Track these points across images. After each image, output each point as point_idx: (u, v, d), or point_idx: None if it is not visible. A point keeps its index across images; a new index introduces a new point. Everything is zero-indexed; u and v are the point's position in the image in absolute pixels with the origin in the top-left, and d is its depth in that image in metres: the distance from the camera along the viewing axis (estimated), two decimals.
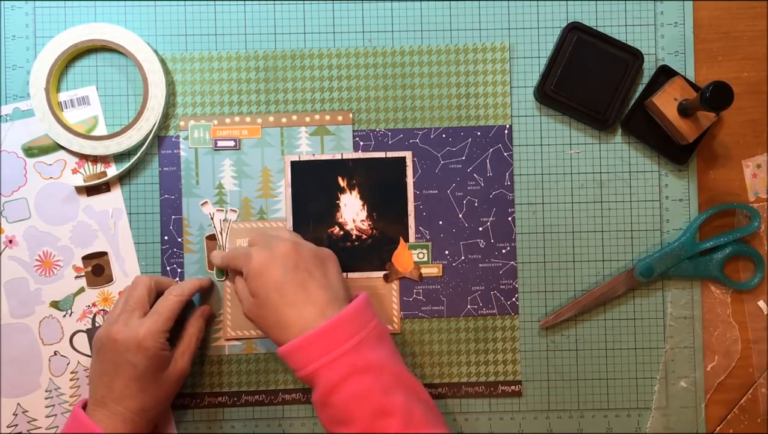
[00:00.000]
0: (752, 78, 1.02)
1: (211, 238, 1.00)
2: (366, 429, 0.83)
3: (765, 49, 1.02)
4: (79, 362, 1.00)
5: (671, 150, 1.00)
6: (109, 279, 1.00)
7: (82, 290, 1.00)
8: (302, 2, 1.02)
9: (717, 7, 1.02)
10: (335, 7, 1.02)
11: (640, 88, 1.01)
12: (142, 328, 0.89)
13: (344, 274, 0.99)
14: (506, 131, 1.01)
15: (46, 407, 1.00)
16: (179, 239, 1.00)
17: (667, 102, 0.97)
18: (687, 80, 0.98)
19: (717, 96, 0.89)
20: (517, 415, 1.01)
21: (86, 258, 1.00)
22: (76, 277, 1.00)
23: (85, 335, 1.00)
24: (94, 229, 1.00)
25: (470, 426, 1.01)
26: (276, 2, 1.02)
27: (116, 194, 1.01)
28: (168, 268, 1.00)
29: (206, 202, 1.00)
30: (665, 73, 1.00)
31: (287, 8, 1.02)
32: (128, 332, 0.89)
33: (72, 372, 1.00)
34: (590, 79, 0.99)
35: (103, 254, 1.00)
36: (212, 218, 1.00)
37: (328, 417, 0.86)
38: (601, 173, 1.01)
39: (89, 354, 1.00)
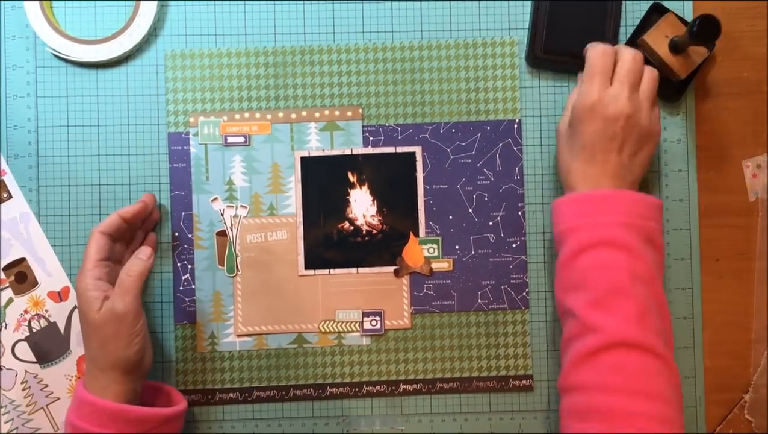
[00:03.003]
0: (752, 78, 1.03)
1: (222, 234, 1.00)
2: (595, 300, 0.85)
3: (765, 49, 1.03)
4: (26, 371, 0.99)
5: (665, 89, 0.99)
6: (34, 283, 1.00)
7: (10, 301, 0.99)
8: (302, 2, 1.02)
9: (717, 7, 1.02)
10: (335, 7, 1.02)
11: (629, 32, 1.01)
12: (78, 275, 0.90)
13: (355, 269, 1.00)
14: (516, 126, 1.01)
15: (6, 423, 0.99)
16: (189, 236, 1.00)
17: (658, 39, 0.97)
18: (678, 17, 0.98)
19: (704, 28, 0.90)
20: (518, 415, 1.01)
21: (6, 268, 1.00)
22: (1, 289, 0.99)
23: (25, 343, 1.00)
24: (6, 238, 1.00)
25: (470, 425, 1.01)
26: (276, 2, 1.02)
27: (19, 199, 1.00)
28: (178, 264, 1.00)
29: (216, 198, 1.00)
30: (658, 12, 1.00)
31: (287, 8, 1.02)
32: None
33: (23, 382, 0.99)
34: (575, 32, 0.99)
35: (22, 260, 1.00)
36: (222, 214, 1.00)
37: (562, 282, 0.90)
38: None
39: (34, 360, 0.99)
